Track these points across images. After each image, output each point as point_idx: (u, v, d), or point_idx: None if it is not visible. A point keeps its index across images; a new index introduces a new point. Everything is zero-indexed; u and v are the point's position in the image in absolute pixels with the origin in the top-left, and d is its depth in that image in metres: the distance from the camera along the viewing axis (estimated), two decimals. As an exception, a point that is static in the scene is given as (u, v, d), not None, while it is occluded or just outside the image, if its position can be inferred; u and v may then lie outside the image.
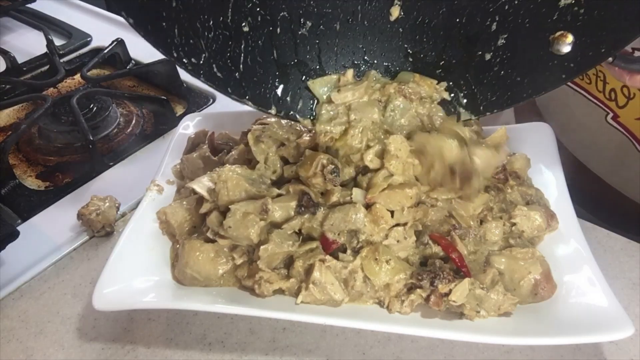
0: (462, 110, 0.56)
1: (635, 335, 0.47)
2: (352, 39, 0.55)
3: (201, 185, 0.57)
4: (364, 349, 0.54)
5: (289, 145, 0.59)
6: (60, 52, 1.04)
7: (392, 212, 0.52)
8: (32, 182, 0.78)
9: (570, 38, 0.48)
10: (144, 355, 0.54)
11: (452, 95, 0.56)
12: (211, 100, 0.93)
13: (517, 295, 0.51)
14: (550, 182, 0.62)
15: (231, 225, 0.52)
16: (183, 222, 0.58)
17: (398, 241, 0.52)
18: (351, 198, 0.53)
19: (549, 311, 0.50)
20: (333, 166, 0.52)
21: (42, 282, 0.63)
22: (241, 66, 0.51)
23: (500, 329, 0.49)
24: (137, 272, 0.54)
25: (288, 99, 0.54)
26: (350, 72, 0.56)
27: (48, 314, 0.59)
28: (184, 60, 0.48)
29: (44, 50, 1.03)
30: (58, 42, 1.07)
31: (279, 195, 0.55)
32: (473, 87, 0.55)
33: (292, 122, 0.61)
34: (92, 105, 0.86)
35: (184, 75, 0.95)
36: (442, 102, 0.56)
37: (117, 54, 1.01)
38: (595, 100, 0.69)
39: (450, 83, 0.55)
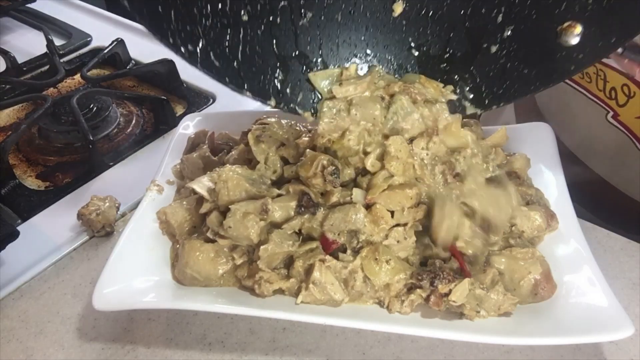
0: (467, 104, 0.55)
1: (635, 335, 0.47)
2: (354, 31, 0.54)
3: (201, 185, 0.57)
4: (364, 349, 0.54)
5: (289, 145, 0.58)
6: (60, 52, 1.04)
7: (392, 213, 0.52)
8: (32, 182, 0.78)
9: (578, 29, 0.47)
10: (144, 355, 0.54)
11: (458, 89, 0.55)
12: (211, 100, 0.93)
13: (517, 295, 0.51)
14: (550, 182, 0.62)
15: (231, 225, 0.52)
16: (183, 222, 0.58)
17: (398, 241, 0.52)
18: (351, 198, 0.53)
19: (549, 311, 0.50)
20: (333, 167, 0.52)
21: (42, 282, 0.63)
22: (240, 55, 0.50)
23: (500, 329, 0.49)
24: (137, 272, 0.54)
25: (288, 90, 0.53)
26: (353, 67, 0.55)
27: (48, 314, 0.59)
28: (180, 46, 0.47)
29: (44, 50, 1.03)
30: (58, 42, 1.07)
31: (279, 195, 0.55)
32: (479, 81, 0.54)
33: (292, 122, 0.61)
34: (92, 105, 0.86)
35: (184, 75, 0.95)
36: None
37: (117, 54, 1.01)
38: (595, 99, 0.69)
39: (456, 77, 0.54)
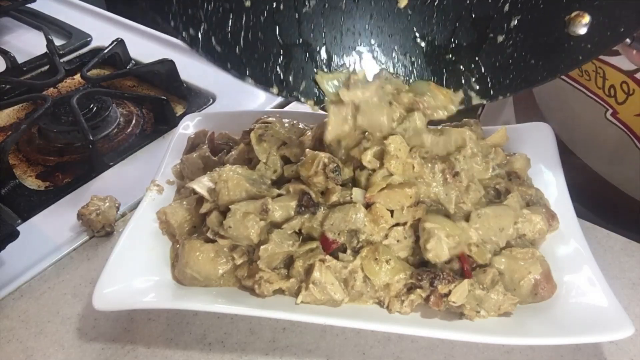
0: (473, 94, 0.54)
1: (635, 335, 0.47)
2: (358, 19, 0.53)
3: (201, 185, 0.57)
4: (364, 349, 0.54)
5: (291, 144, 0.58)
6: (60, 52, 1.04)
7: (391, 212, 0.52)
8: (32, 182, 0.78)
9: (587, 18, 0.46)
10: (144, 355, 0.54)
11: (463, 79, 0.54)
12: (211, 100, 0.93)
13: (517, 295, 0.50)
14: (550, 182, 0.62)
15: (231, 225, 0.52)
16: (183, 222, 0.58)
17: (398, 241, 0.52)
18: (351, 198, 0.53)
19: (549, 311, 0.50)
20: (335, 165, 0.52)
21: (42, 282, 0.63)
22: (242, 41, 0.50)
23: (500, 329, 0.49)
24: (137, 272, 0.54)
25: (290, 78, 0.53)
26: (362, 73, 0.54)
27: (48, 314, 0.59)
28: (182, 30, 0.47)
29: (44, 50, 1.02)
30: (58, 42, 1.07)
31: (279, 195, 0.55)
32: (485, 71, 0.53)
33: (294, 122, 0.61)
34: (92, 105, 0.86)
35: (184, 75, 0.95)
36: (454, 86, 0.54)
37: (117, 54, 1.01)
38: (594, 97, 0.69)
39: (461, 67, 0.54)
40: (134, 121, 0.88)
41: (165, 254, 0.57)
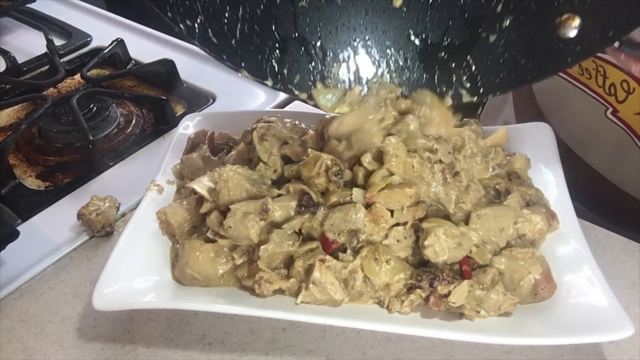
0: (464, 92, 0.55)
1: (635, 335, 0.47)
2: (353, 15, 0.53)
3: (201, 185, 0.57)
4: (364, 349, 0.54)
5: (293, 143, 0.58)
6: (60, 52, 1.04)
7: (392, 212, 0.52)
8: (32, 182, 0.78)
9: (577, 21, 0.47)
10: (144, 355, 0.54)
11: (455, 77, 0.55)
12: (211, 100, 0.93)
13: (517, 295, 0.51)
14: (550, 182, 0.62)
15: (231, 225, 0.52)
16: (183, 222, 0.58)
17: (398, 241, 0.52)
18: (351, 198, 0.53)
19: (549, 311, 0.50)
20: (337, 168, 0.52)
21: (42, 282, 0.63)
22: (238, 34, 0.50)
23: (500, 329, 0.49)
24: (137, 272, 0.54)
25: (285, 71, 0.53)
26: (357, 89, 0.55)
27: (48, 314, 0.59)
28: (179, 21, 0.47)
29: (44, 50, 1.02)
30: (58, 42, 1.07)
31: (280, 195, 0.55)
32: (476, 69, 0.54)
33: (296, 122, 0.61)
34: (92, 105, 0.86)
35: (184, 75, 0.95)
36: (446, 83, 0.55)
37: (117, 54, 1.01)
38: (595, 95, 0.69)
39: (453, 64, 0.54)
40: (134, 121, 0.88)
41: (165, 254, 0.57)
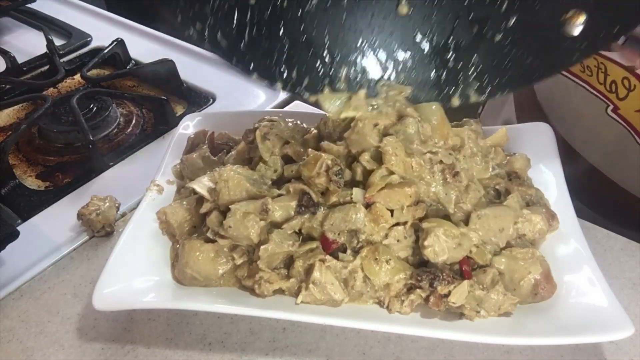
0: (471, 92, 0.55)
1: (635, 335, 0.47)
2: (360, 17, 0.54)
3: (201, 185, 0.57)
4: (364, 349, 0.54)
5: (295, 142, 0.58)
6: (60, 52, 1.04)
7: (392, 212, 0.52)
8: (32, 182, 0.78)
9: (582, 18, 0.47)
10: (144, 355, 0.54)
11: (462, 77, 0.55)
12: (211, 100, 0.93)
13: (517, 295, 0.51)
14: (550, 182, 0.62)
15: (231, 225, 0.52)
16: (183, 222, 0.58)
17: (398, 240, 0.52)
18: (351, 198, 0.53)
19: (549, 311, 0.50)
20: (338, 167, 0.52)
21: (42, 282, 0.63)
22: (247, 37, 0.50)
23: (500, 329, 0.49)
24: (137, 272, 0.54)
25: (294, 74, 0.53)
26: (362, 93, 0.55)
27: (48, 314, 0.59)
28: (189, 25, 0.48)
29: (44, 50, 1.03)
30: (58, 42, 1.07)
31: (280, 195, 0.55)
32: (482, 69, 0.54)
33: (297, 122, 0.61)
34: (92, 105, 0.86)
35: (184, 75, 0.95)
36: (453, 83, 0.55)
37: (117, 54, 1.01)
38: (596, 93, 0.69)
39: (459, 65, 0.54)
40: (134, 121, 0.88)
41: (165, 254, 0.57)
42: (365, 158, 0.54)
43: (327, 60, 0.54)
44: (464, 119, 0.63)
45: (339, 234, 0.52)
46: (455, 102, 0.55)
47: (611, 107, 0.68)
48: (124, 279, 0.52)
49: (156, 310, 0.58)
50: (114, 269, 0.52)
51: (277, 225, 0.53)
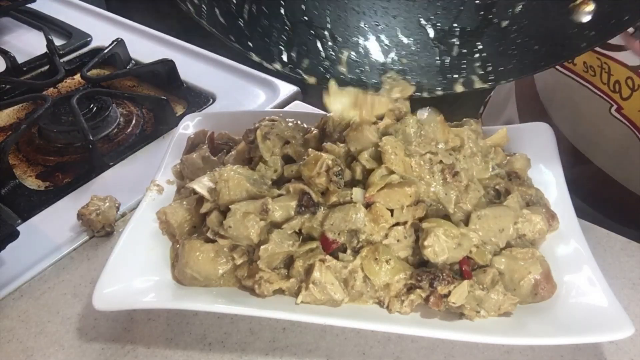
0: (476, 79, 0.53)
1: (635, 335, 0.47)
2: None
3: (201, 185, 0.57)
4: (364, 349, 0.54)
5: (295, 142, 0.58)
6: (60, 52, 1.04)
7: (392, 211, 0.52)
8: (32, 182, 0.78)
9: (591, 6, 0.46)
10: (144, 355, 0.54)
11: (466, 63, 0.53)
12: (211, 100, 0.93)
13: (517, 295, 0.51)
14: (550, 182, 0.62)
15: (231, 225, 0.52)
16: (183, 222, 0.58)
17: (398, 240, 0.52)
18: (351, 198, 0.53)
19: (549, 311, 0.50)
20: (339, 168, 0.52)
21: (42, 282, 0.63)
22: (246, 15, 0.49)
23: (500, 329, 0.49)
24: (137, 272, 0.54)
25: (294, 55, 0.52)
26: (368, 96, 0.54)
27: (48, 314, 0.59)
28: (187, 1, 0.46)
29: (44, 50, 1.02)
30: (58, 42, 1.07)
31: (280, 195, 0.55)
32: (488, 56, 0.53)
33: (298, 122, 0.61)
34: (92, 105, 0.86)
35: (184, 75, 0.95)
36: (457, 70, 0.54)
37: (117, 54, 1.01)
38: (599, 93, 0.69)
39: (464, 50, 0.53)
40: (134, 121, 0.88)
41: (165, 254, 0.57)
42: (364, 157, 0.54)
43: (328, 41, 0.53)
44: (464, 119, 0.63)
45: (339, 234, 0.52)
46: (459, 88, 0.53)
47: (615, 107, 0.68)
48: (124, 279, 0.52)
49: (156, 310, 0.58)
50: (114, 269, 0.52)
51: (277, 225, 0.53)
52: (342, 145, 0.56)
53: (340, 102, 0.53)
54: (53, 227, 0.69)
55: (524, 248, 0.53)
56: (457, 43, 0.53)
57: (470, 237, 0.52)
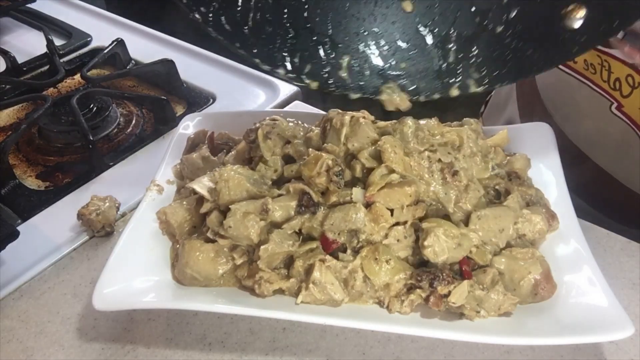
0: (471, 82, 0.54)
1: (635, 335, 0.47)
2: (363, 6, 0.54)
3: (201, 185, 0.57)
4: (364, 349, 0.54)
5: (295, 142, 0.58)
6: (60, 52, 1.04)
7: (392, 211, 0.52)
8: (32, 182, 0.78)
9: (582, 12, 0.47)
10: (144, 355, 0.54)
11: (461, 68, 0.55)
12: (211, 100, 0.93)
13: (517, 295, 0.51)
14: (550, 182, 0.62)
15: (231, 225, 0.52)
16: (183, 222, 0.58)
17: (398, 240, 0.52)
18: (351, 198, 0.53)
19: (549, 311, 0.50)
20: (339, 168, 0.52)
21: (42, 282, 0.63)
22: (250, 22, 0.51)
23: (500, 329, 0.49)
24: (137, 272, 0.54)
25: (297, 60, 0.53)
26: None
27: (48, 314, 0.59)
28: (193, 8, 0.48)
29: (44, 50, 1.02)
30: (58, 42, 1.07)
31: (280, 195, 0.55)
32: (483, 60, 0.54)
33: (298, 122, 0.61)
34: (92, 105, 0.86)
35: (184, 75, 0.95)
36: (453, 74, 0.55)
37: (117, 54, 1.01)
38: (599, 90, 0.69)
39: (460, 55, 0.54)
40: (134, 121, 0.88)
41: (165, 254, 0.57)
42: (364, 155, 0.54)
43: (329, 48, 0.54)
44: (465, 119, 0.63)
45: (339, 234, 0.52)
46: (455, 92, 0.54)
47: (615, 104, 0.68)
48: (124, 279, 0.52)
49: (156, 310, 0.58)
50: (114, 269, 0.52)
51: (277, 225, 0.53)
52: (342, 144, 0.56)
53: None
54: (53, 227, 0.69)
55: (524, 248, 0.53)
56: (454, 48, 0.54)
57: (470, 237, 0.52)
